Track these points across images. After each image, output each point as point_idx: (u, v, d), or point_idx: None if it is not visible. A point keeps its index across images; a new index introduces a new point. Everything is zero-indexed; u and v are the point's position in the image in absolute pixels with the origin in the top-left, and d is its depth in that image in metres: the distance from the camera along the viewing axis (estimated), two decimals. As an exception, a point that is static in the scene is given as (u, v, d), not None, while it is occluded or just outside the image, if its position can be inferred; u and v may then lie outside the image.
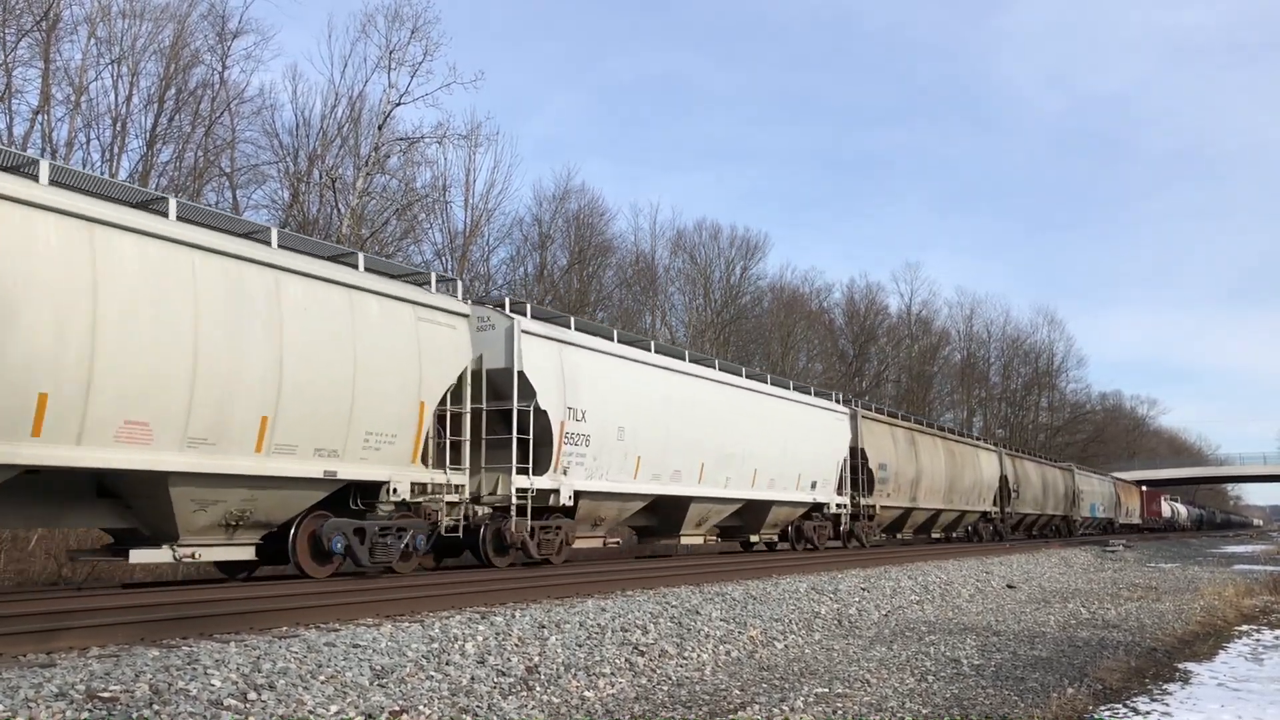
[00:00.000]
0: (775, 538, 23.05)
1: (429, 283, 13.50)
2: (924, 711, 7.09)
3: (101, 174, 23.33)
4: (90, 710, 5.20)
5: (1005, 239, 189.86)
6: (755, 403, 20.60)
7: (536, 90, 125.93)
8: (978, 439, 39.01)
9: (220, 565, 12.24)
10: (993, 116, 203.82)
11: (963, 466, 32.76)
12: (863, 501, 25.34)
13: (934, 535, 32.61)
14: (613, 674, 7.82)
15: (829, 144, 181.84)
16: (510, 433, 14.14)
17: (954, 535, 34.70)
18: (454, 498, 13.28)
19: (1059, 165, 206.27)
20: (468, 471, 13.68)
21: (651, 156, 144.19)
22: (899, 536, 30.27)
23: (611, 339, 16.88)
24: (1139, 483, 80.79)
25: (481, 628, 8.40)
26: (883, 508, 26.44)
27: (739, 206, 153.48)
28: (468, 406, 13.84)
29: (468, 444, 13.75)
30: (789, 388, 22.61)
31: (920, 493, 29.09)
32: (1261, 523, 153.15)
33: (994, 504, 36.15)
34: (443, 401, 13.27)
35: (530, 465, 14.37)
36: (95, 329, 8.97)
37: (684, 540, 19.32)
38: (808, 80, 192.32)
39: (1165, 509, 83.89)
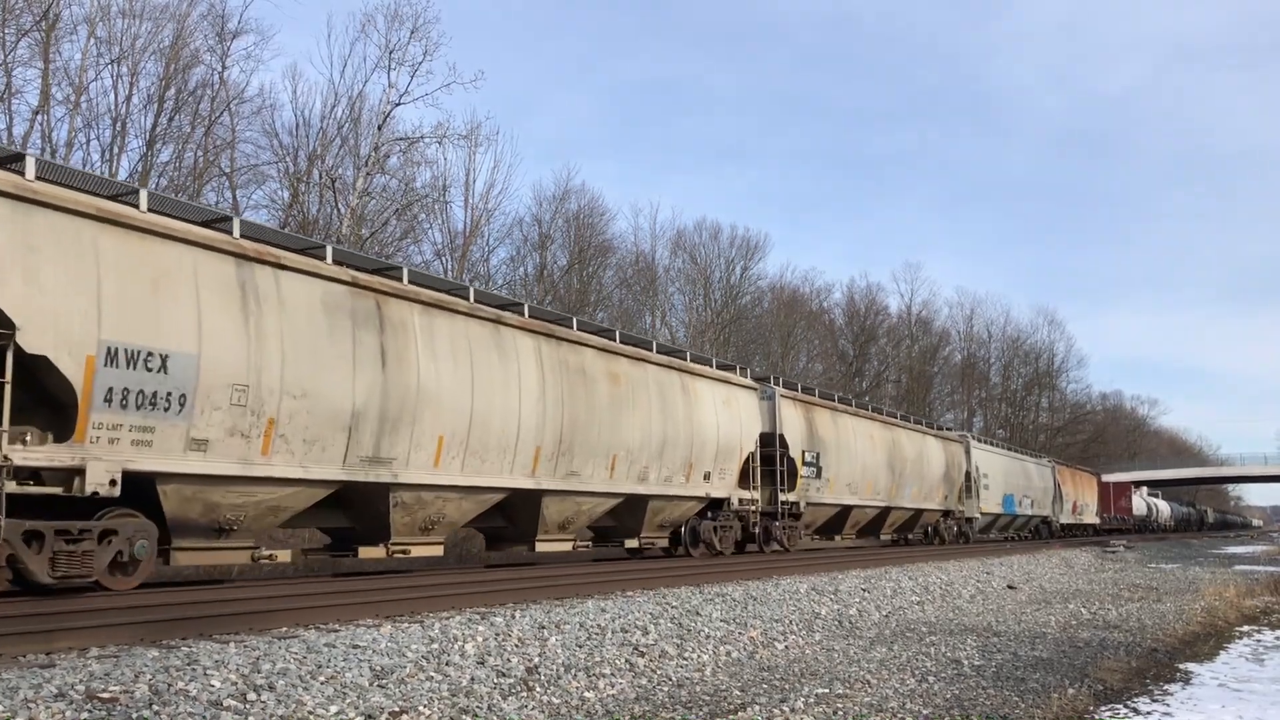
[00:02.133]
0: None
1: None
2: (925, 712, 7.08)
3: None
4: (90, 711, 5.19)
5: (1006, 239, 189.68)
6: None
7: (539, 92, 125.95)
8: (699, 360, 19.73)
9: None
10: (994, 117, 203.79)
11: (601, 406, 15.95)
12: None
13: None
14: (613, 675, 7.81)
15: (830, 145, 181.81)
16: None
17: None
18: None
19: (1060, 166, 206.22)
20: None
21: (653, 158, 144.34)
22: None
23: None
24: (1137, 481, 79.56)
25: (481, 628, 8.39)
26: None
27: (739, 207, 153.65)
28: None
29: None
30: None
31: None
32: (1261, 523, 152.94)
33: (747, 486, 20.02)
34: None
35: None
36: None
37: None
38: (810, 82, 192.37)
39: (1139, 505, 70.56)
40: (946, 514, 32.05)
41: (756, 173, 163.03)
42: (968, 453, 33.59)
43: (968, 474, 33.37)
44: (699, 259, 51.16)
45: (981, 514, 34.60)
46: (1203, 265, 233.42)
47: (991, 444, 40.31)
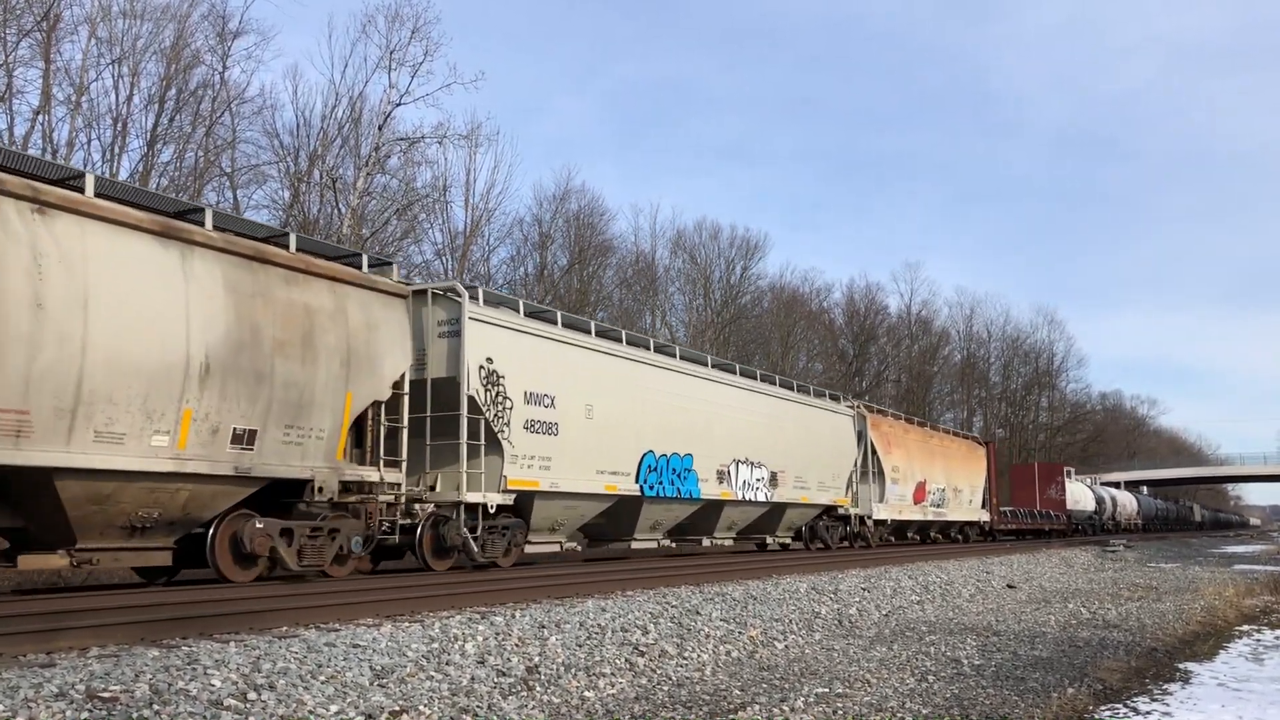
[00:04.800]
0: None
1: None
2: (924, 711, 7.09)
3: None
4: (90, 710, 5.19)
5: (1006, 240, 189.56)
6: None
7: (542, 94, 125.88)
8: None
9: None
10: (996, 119, 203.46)
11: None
12: None
13: None
14: (613, 674, 7.82)
15: (832, 146, 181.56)
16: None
17: None
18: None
19: (1061, 167, 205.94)
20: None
21: (654, 160, 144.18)
22: None
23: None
24: (1136, 480, 77.72)
25: (481, 628, 8.39)
26: None
27: (740, 208, 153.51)
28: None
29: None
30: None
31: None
32: (1260, 522, 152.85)
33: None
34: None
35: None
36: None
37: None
38: (812, 83, 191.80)
39: (1079, 497, 51.42)
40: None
41: (758, 174, 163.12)
42: (454, 333, 13.78)
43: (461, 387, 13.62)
44: (699, 259, 51.29)
45: (501, 491, 14.16)
46: (1203, 265, 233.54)
47: (604, 336, 17.31)
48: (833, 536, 25.28)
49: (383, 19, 31.53)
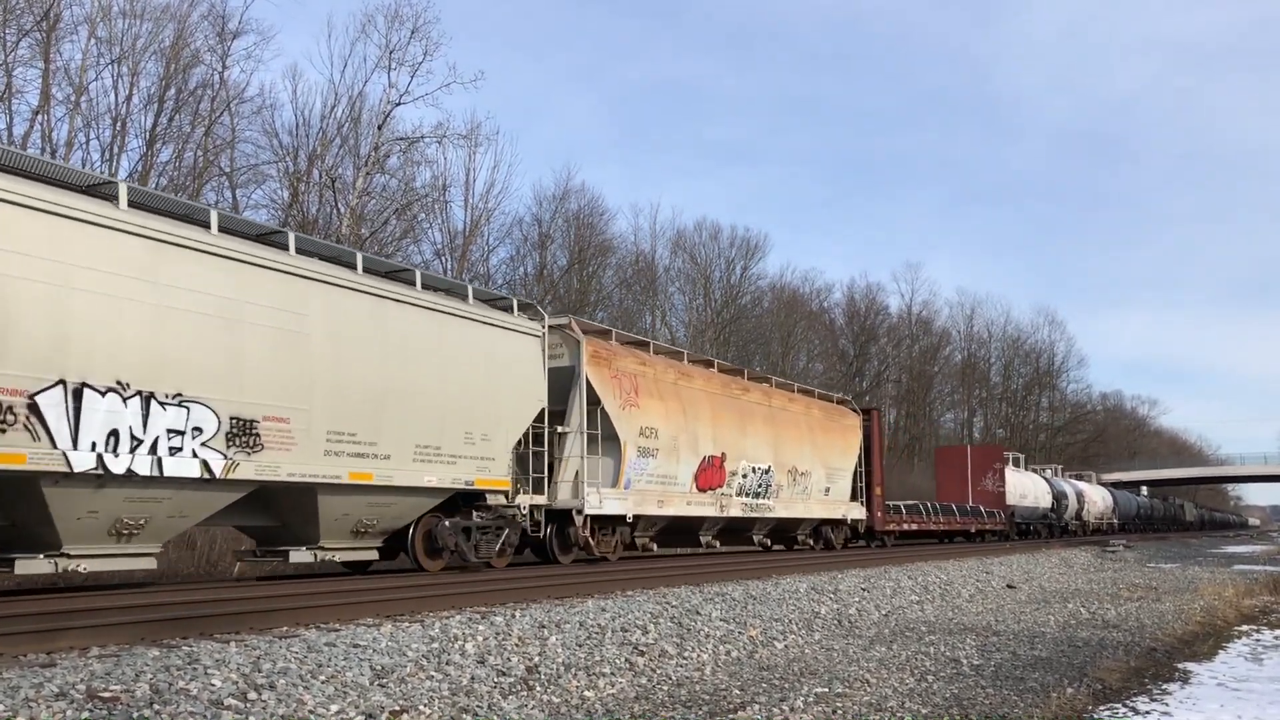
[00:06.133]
0: None
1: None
2: (924, 711, 7.10)
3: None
4: (90, 710, 5.20)
5: (1007, 240, 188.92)
6: None
7: (544, 95, 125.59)
8: None
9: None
10: (998, 120, 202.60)
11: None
12: None
13: None
14: (613, 674, 7.83)
15: (833, 147, 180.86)
16: None
17: None
18: None
19: (1063, 168, 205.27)
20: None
21: (655, 160, 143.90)
22: None
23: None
24: (1137, 481, 77.79)
25: (481, 628, 8.40)
26: None
27: (741, 208, 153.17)
28: None
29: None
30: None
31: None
32: (1260, 522, 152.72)
33: None
34: None
35: None
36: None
37: None
38: (814, 84, 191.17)
39: (1023, 490, 40.40)
40: None
41: (758, 174, 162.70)
42: None
43: None
44: (699, 259, 51.36)
45: None
46: (1204, 265, 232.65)
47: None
48: (489, 546, 13.93)
49: (382, 19, 31.46)
